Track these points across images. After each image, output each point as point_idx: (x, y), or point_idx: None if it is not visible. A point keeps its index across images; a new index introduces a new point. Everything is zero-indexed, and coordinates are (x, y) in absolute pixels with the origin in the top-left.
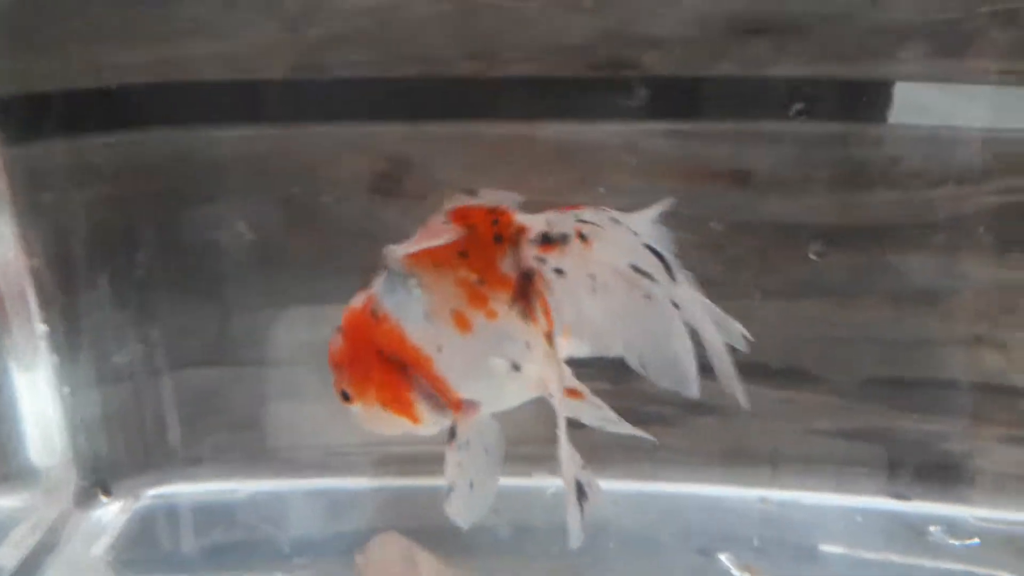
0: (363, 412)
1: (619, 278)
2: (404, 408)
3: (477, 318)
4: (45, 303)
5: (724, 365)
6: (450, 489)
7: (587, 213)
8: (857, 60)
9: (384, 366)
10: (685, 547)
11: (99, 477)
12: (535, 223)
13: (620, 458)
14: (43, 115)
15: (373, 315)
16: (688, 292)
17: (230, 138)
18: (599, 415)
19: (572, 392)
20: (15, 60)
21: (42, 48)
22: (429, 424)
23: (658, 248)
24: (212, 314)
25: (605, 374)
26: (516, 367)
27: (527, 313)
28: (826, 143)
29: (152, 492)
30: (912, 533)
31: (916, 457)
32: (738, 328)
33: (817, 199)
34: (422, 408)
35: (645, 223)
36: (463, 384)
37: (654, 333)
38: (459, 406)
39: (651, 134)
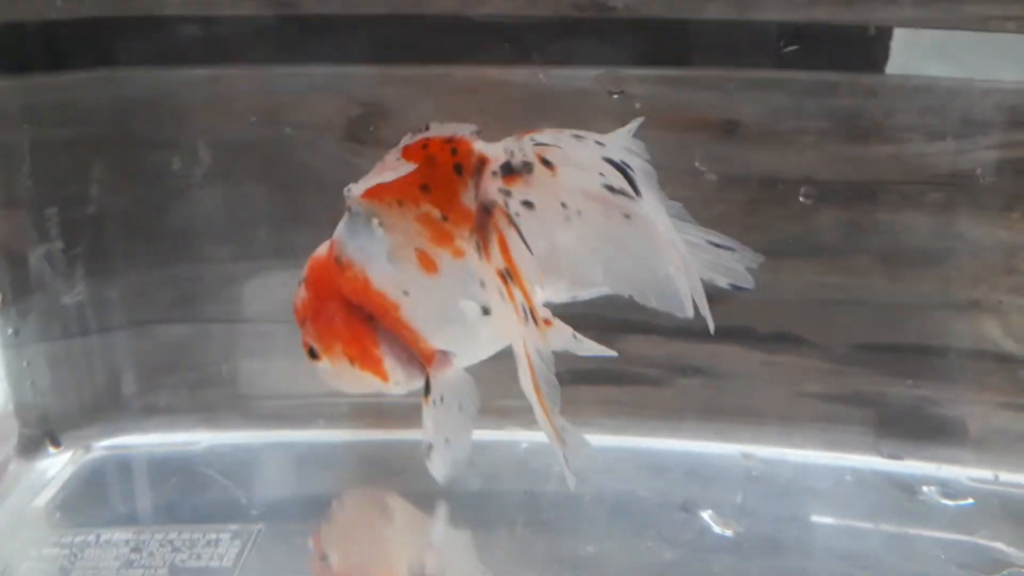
0: (330, 369)
1: (593, 201)
2: (373, 364)
3: (443, 257)
4: None
5: (694, 285)
6: (429, 446)
7: (545, 135)
8: (851, 4)
9: (351, 317)
10: (668, 503)
11: (47, 427)
12: (496, 152)
13: (603, 414)
14: None
15: (337, 262)
16: (654, 207)
17: (194, 78)
18: (565, 339)
19: (545, 322)
20: None
21: None
22: (397, 382)
23: (622, 162)
24: (173, 264)
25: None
26: (486, 310)
27: (483, 247)
28: (818, 93)
29: (103, 443)
30: (904, 493)
31: (908, 420)
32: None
33: (808, 152)
34: (391, 364)
35: (616, 141)
36: (433, 332)
37: (638, 255)
38: (431, 358)
39: (636, 80)
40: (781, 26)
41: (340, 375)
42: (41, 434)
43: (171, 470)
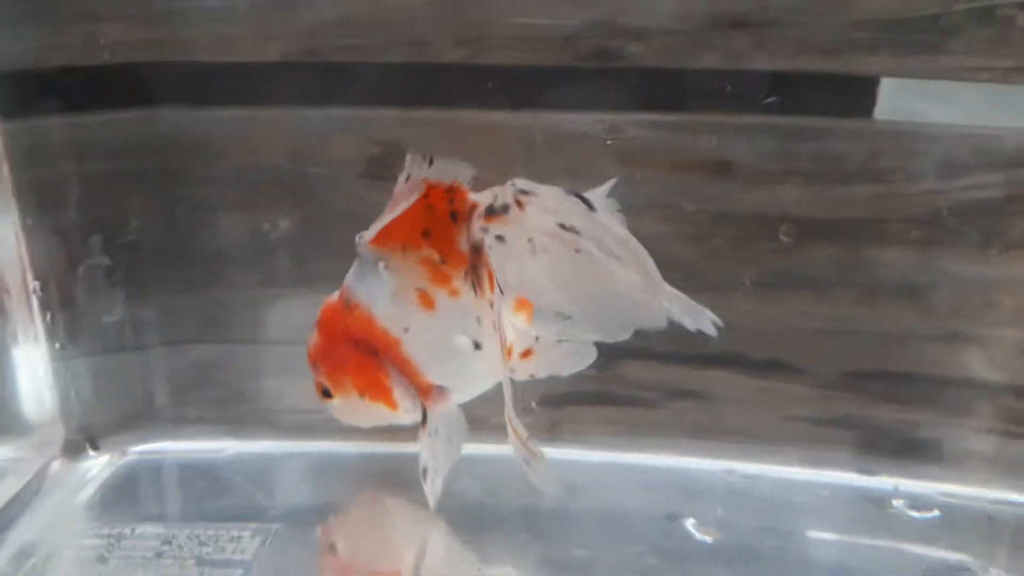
0: (342, 405)
1: (552, 238)
2: (381, 394)
3: (440, 296)
4: (41, 272)
5: (652, 277)
6: (425, 471)
7: (527, 183)
8: (836, 55)
9: (357, 353)
10: (653, 513)
11: (88, 433)
12: (483, 197)
13: (600, 432)
14: (41, 91)
15: (345, 305)
16: (609, 221)
17: (224, 119)
18: (550, 365)
19: (526, 352)
20: (15, 35)
21: (43, 24)
22: (406, 410)
23: (578, 194)
24: (202, 291)
25: None
26: (478, 345)
27: (477, 285)
28: (806, 136)
29: (138, 448)
30: (876, 506)
31: (887, 441)
32: (708, 315)
33: (797, 191)
34: (399, 393)
35: (597, 198)
36: (430, 366)
37: (590, 283)
38: (429, 392)
39: (635, 124)
40: (770, 75)
41: (352, 409)
42: (82, 439)
43: (198, 474)
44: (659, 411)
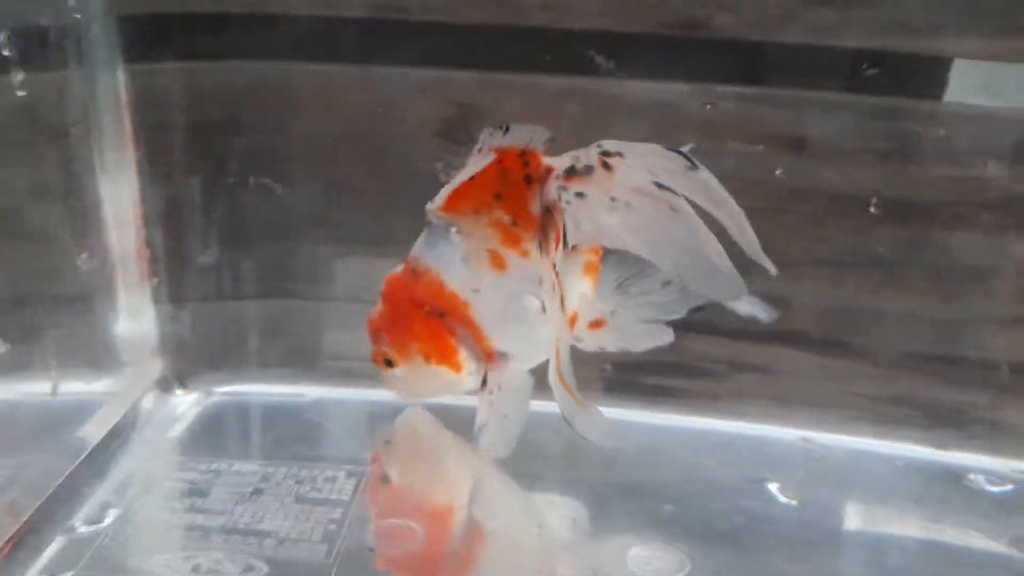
0: (406, 374)
1: (643, 196)
2: (447, 357)
3: (511, 257)
4: (149, 214)
5: (748, 236)
6: (481, 428)
7: (612, 143)
8: (920, 35)
9: (426, 318)
10: (735, 475)
11: (179, 372)
12: (561, 161)
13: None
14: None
15: (413, 273)
16: (710, 179)
17: (305, 72)
18: (623, 340)
19: (596, 323)
20: None
21: None
22: (470, 372)
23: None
24: (278, 246)
25: None
26: (544, 307)
27: (543, 244)
28: (883, 115)
29: (223, 389)
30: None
31: (953, 421)
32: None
33: (871, 171)
34: (464, 355)
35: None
36: (497, 329)
37: (682, 242)
38: (491, 357)
39: (717, 96)
40: (852, 53)
41: (415, 376)
42: (172, 377)
43: (284, 417)
44: (726, 383)
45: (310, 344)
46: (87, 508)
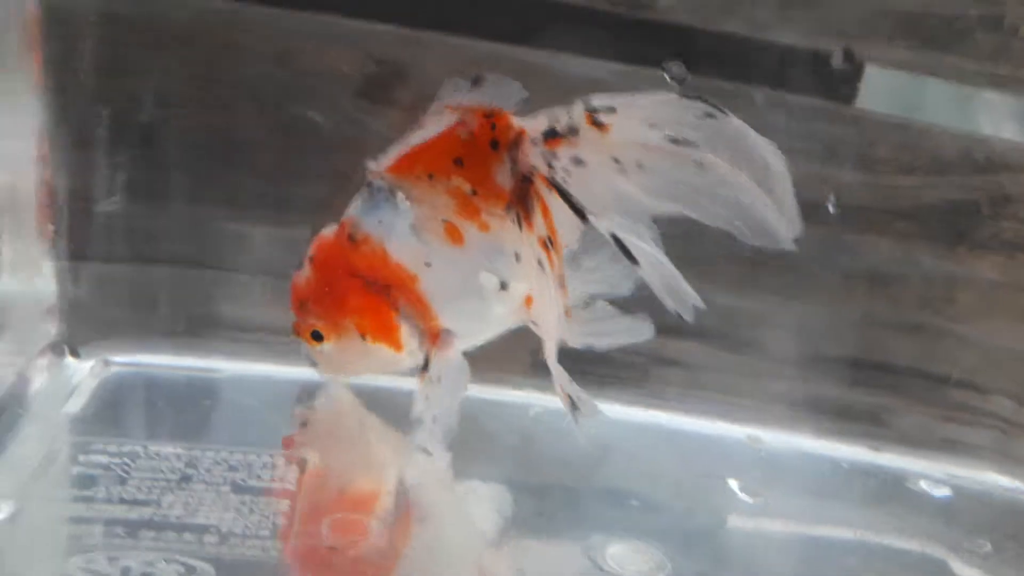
0: (336, 349)
1: (656, 153)
2: (387, 334)
3: (469, 230)
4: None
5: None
6: (418, 419)
7: (599, 97)
8: (853, 38)
9: (366, 291)
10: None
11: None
12: (535, 122)
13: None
14: None
15: (350, 239)
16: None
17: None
18: (587, 332)
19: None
20: None
21: None
22: (410, 352)
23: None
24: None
25: None
26: (504, 285)
27: (524, 219)
28: (807, 117)
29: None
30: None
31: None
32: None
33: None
34: (405, 332)
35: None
36: (447, 306)
37: (719, 196)
38: (436, 336)
39: (642, 78)
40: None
41: (346, 354)
42: (63, 343)
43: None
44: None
45: (214, 314)
46: None
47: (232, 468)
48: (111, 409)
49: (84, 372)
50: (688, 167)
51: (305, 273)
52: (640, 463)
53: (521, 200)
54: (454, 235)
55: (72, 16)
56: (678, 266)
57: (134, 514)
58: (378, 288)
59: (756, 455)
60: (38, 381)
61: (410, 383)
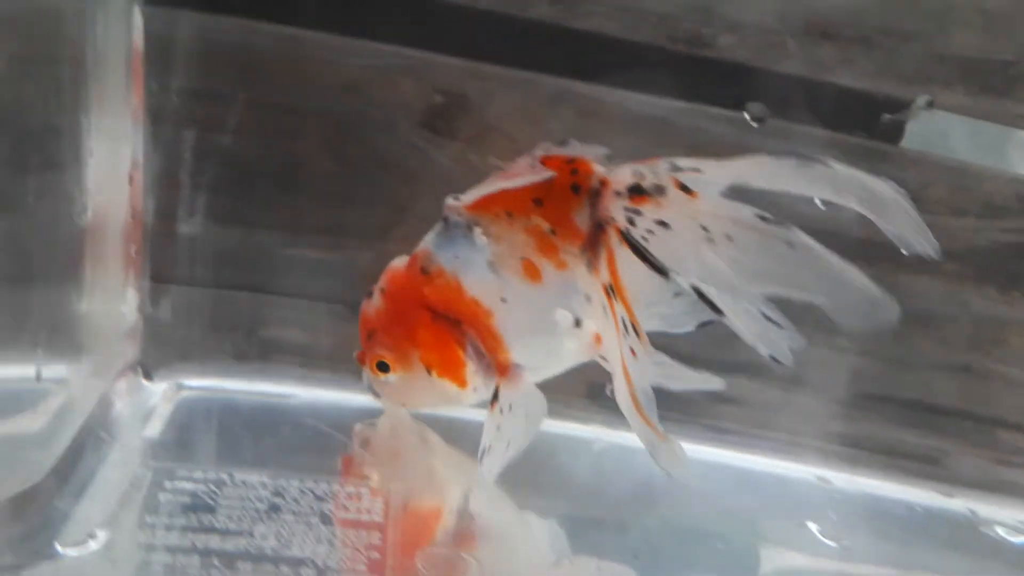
0: (401, 381)
1: (747, 230)
2: (452, 369)
3: (547, 267)
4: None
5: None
6: (485, 450)
7: (686, 160)
8: (911, 82)
9: (436, 324)
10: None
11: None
12: (620, 175)
13: None
14: None
15: (423, 272)
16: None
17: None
18: (659, 372)
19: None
20: None
21: None
22: (475, 389)
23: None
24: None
25: None
26: (578, 322)
27: (592, 263)
28: (863, 157)
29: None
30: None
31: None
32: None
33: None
34: (471, 369)
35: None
36: (519, 341)
37: (810, 277)
38: (506, 370)
39: (709, 118)
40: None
41: (410, 386)
42: (140, 367)
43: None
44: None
45: (281, 339)
46: (68, 526)
47: (319, 498)
48: (189, 434)
49: (158, 395)
50: (778, 246)
51: (375, 303)
52: (715, 502)
53: (592, 246)
54: (532, 272)
55: (170, 47)
56: None
57: (229, 544)
58: (448, 322)
59: (828, 497)
60: (118, 404)
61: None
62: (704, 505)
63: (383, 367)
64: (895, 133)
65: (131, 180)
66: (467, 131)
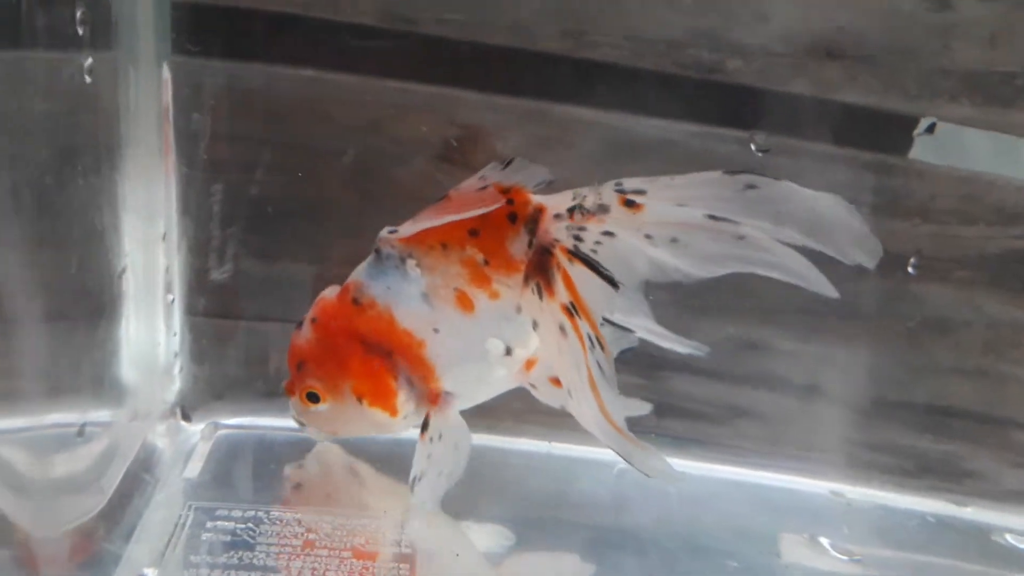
0: (331, 411)
1: (696, 230)
2: (384, 399)
3: (480, 298)
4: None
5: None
6: (418, 478)
7: (633, 181)
8: (917, 97)
9: (368, 355)
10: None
11: (184, 403)
12: (559, 200)
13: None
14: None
15: (354, 303)
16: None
17: (298, 79)
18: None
19: (530, 362)
20: None
21: None
22: (405, 416)
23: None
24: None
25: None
26: (508, 350)
27: (546, 288)
28: (873, 171)
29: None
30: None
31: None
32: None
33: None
34: (403, 398)
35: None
36: (450, 370)
37: (769, 263)
38: (436, 398)
39: (719, 139)
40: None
41: (341, 416)
42: (177, 409)
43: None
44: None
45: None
46: (121, 567)
47: (351, 532)
48: (227, 472)
49: (196, 436)
50: (727, 240)
51: (306, 333)
52: (727, 520)
53: (541, 271)
54: (465, 303)
55: (198, 97)
56: (746, 312)
57: None
58: (380, 353)
59: (841, 510)
60: (159, 446)
61: None
62: (717, 523)
63: (313, 397)
64: (903, 146)
65: (164, 236)
66: (483, 162)
